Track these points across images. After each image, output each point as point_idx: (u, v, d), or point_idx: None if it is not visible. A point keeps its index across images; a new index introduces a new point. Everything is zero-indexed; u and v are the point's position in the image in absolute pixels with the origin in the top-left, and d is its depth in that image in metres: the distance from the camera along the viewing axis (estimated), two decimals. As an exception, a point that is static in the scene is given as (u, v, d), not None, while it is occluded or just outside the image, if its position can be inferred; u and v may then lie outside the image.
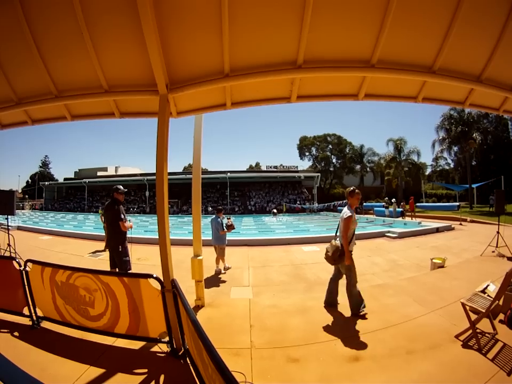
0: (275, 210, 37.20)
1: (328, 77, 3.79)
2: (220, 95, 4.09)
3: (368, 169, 52.92)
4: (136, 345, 3.87)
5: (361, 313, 4.60)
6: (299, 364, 3.48)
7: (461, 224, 17.83)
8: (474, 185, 32.99)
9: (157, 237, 3.64)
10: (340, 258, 4.68)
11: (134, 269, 5.32)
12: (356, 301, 4.69)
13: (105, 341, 3.93)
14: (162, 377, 3.24)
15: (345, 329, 4.29)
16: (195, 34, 3.27)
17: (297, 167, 52.86)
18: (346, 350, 3.75)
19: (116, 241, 5.12)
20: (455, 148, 37.43)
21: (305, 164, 58.04)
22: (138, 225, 22.50)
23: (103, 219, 9.61)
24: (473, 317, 3.88)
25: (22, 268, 4.31)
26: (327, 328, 4.33)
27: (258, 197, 46.80)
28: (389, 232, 13.77)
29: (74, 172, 62.21)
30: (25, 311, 4.39)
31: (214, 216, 8.03)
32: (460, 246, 10.76)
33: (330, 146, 53.35)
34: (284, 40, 3.31)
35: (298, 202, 43.59)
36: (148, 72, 3.47)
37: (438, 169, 45.21)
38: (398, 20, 3.10)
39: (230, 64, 3.48)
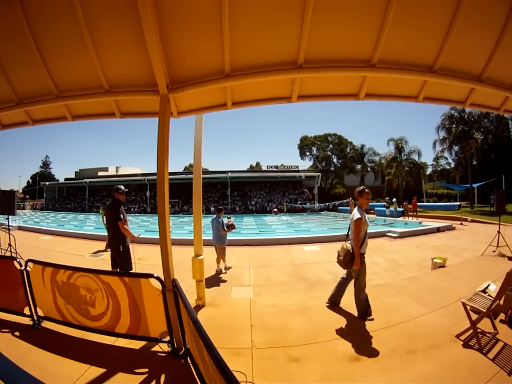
0: (276, 210, 37.29)
1: (328, 76, 3.79)
2: (221, 95, 4.09)
3: (369, 169, 53.03)
4: (137, 344, 3.88)
5: (368, 319, 4.57)
6: (300, 364, 3.48)
7: (461, 223, 17.82)
8: (475, 185, 32.98)
9: (158, 236, 3.64)
10: (352, 262, 4.53)
11: (134, 269, 5.33)
12: (363, 307, 4.63)
13: (106, 340, 3.94)
14: (163, 377, 3.25)
15: (346, 329, 4.29)
16: (195, 34, 3.27)
17: (298, 166, 52.98)
18: (347, 349, 3.75)
19: (117, 241, 5.13)
20: (456, 148, 37.40)
21: (306, 163, 58.17)
22: (139, 225, 22.48)
23: (105, 219, 9.63)
24: (474, 316, 3.89)
25: (22, 268, 4.31)
26: (327, 328, 4.33)
27: (259, 197, 46.82)
28: (389, 232, 13.77)
29: (75, 172, 62.36)
30: (26, 310, 4.40)
31: (214, 216, 8.03)
32: (461, 245, 10.75)
33: (331, 146, 53.39)
34: (285, 40, 3.30)
35: (299, 202, 43.60)
36: (148, 72, 3.47)
37: (438, 169, 45.10)
38: (398, 20, 3.10)
39: (230, 64, 3.48)
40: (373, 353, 3.66)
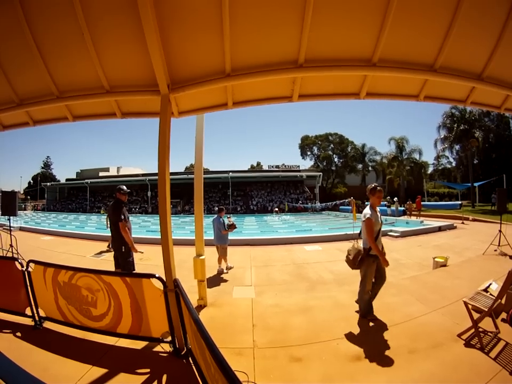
0: (277, 209, 37.31)
1: (329, 76, 3.78)
2: (221, 95, 4.08)
3: (370, 168, 52.98)
4: (139, 345, 3.88)
5: (369, 318, 4.55)
6: (302, 364, 3.48)
7: (463, 223, 17.79)
8: (476, 184, 32.88)
9: (159, 237, 3.64)
10: (361, 263, 4.45)
11: (136, 269, 5.33)
12: (365, 307, 4.61)
13: (107, 341, 3.94)
14: (164, 377, 3.25)
15: (347, 329, 4.28)
16: (196, 34, 3.27)
17: (299, 166, 52.96)
18: (349, 349, 3.75)
19: (119, 242, 5.11)
20: (457, 147, 37.27)
21: (307, 163, 58.13)
22: (140, 226, 22.49)
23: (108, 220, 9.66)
24: (476, 315, 3.88)
25: (24, 269, 4.32)
26: (329, 328, 4.33)
27: (260, 197, 46.82)
28: (391, 231, 13.74)
29: (76, 172, 62.35)
30: (28, 311, 4.40)
31: (215, 216, 8.04)
32: (462, 244, 10.72)
33: (332, 145, 53.40)
34: (285, 39, 3.30)
35: (300, 201, 43.57)
36: (149, 72, 3.46)
37: (440, 168, 44.95)
38: (398, 20, 3.10)
39: (231, 64, 3.48)
40: (375, 352, 3.65)
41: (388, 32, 3.17)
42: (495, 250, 8.97)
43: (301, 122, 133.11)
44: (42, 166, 77.22)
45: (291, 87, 3.92)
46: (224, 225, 7.82)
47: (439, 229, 14.91)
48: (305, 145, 55.28)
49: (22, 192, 64.88)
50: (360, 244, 4.61)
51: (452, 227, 15.61)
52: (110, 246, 10.08)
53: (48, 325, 4.37)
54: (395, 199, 26.14)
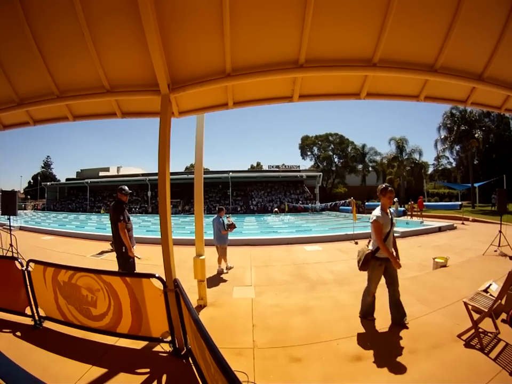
0: (276, 209, 37.33)
1: (330, 76, 3.78)
2: (222, 95, 4.08)
3: (370, 168, 53.00)
4: (139, 345, 3.88)
5: (369, 319, 4.55)
6: (301, 364, 3.48)
7: (463, 223, 17.77)
8: (476, 184, 32.88)
9: (159, 236, 3.64)
10: (365, 265, 4.37)
11: (136, 269, 5.33)
12: (367, 309, 4.58)
13: (107, 340, 3.94)
14: (164, 377, 3.25)
15: (347, 329, 4.27)
16: (196, 34, 3.27)
17: (299, 166, 52.91)
18: (349, 349, 3.75)
19: (120, 242, 5.11)
20: (457, 147, 37.24)
21: (307, 163, 58.23)
22: (140, 225, 22.49)
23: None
24: (476, 316, 3.88)
25: (24, 268, 4.32)
26: (329, 328, 4.32)
27: (260, 197, 46.83)
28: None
29: (76, 172, 62.32)
30: (28, 311, 4.40)
31: (215, 216, 8.04)
32: (462, 245, 10.72)
33: (332, 145, 53.52)
34: (285, 39, 3.30)
35: (300, 202, 43.56)
36: (149, 72, 3.46)
37: (440, 168, 44.95)
38: (398, 21, 3.10)
39: (231, 64, 3.48)
40: (375, 353, 3.65)
41: (388, 32, 3.17)
42: (495, 251, 8.96)
43: (301, 123, 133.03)
44: (43, 165, 77.23)
45: (291, 87, 3.92)
46: (223, 225, 7.82)
47: (439, 229, 14.91)
48: (306, 145, 55.34)
49: (22, 191, 64.90)
50: (371, 246, 4.47)
51: (452, 227, 15.61)
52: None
53: (48, 324, 4.37)
54: (395, 199, 26.13)
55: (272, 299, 5.63)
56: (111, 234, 5.37)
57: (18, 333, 4.17)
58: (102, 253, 10.28)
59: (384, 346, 3.79)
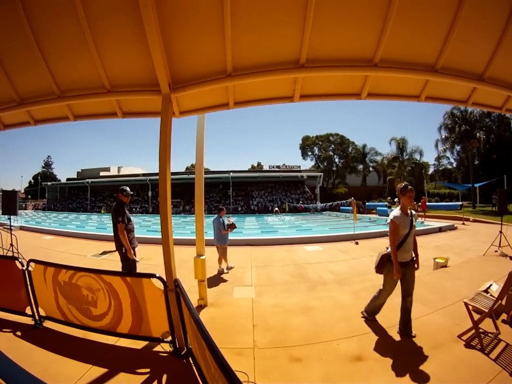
0: (277, 209, 37.33)
1: (330, 76, 3.78)
2: (223, 95, 4.08)
3: (370, 168, 53.02)
4: (139, 344, 3.88)
5: (369, 318, 4.54)
6: (302, 364, 3.48)
7: (463, 223, 17.77)
8: (477, 185, 32.81)
9: (160, 236, 3.64)
10: (380, 267, 4.25)
11: (137, 269, 5.33)
12: (371, 307, 4.53)
13: (107, 340, 3.94)
14: (164, 377, 3.25)
15: (348, 329, 4.27)
16: (197, 35, 3.27)
17: (299, 166, 52.89)
18: (349, 350, 3.75)
19: (120, 242, 5.11)
20: (458, 147, 37.21)
21: (308, 163, 58.18)
22: (141, 225, 22.49)
23: None
24: (476, 316, 3.88)
25: (24, 268, 4.32)
26: (329, 328, 4.32)
27: (261, 197, 46.78)
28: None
29: (77, 172, 62.39)
30: (28, 310, 4.40)
31: (215, 216, 8.04)
32: (463, 245, 10.72)
33: (332, 146, 53.46)
34: (286, 40, 3.30)
35: (301, 202, 43.53)
36: (150, 72, 3.46)
37: (440, 168, 45.03)
38: (399, 22, 3.10)
39: (232, 64, 3.48)
40: (375, 353, 3.65)
41: (389, 33, 3.17)
42: (496, 251, 8.96)
43: (301, 123, 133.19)
44: (43, 165, 77.23)
45: (292, 87, 3.92)
46: (224, 225, 7.82)
47: (440, 229, 14.91)
48: (306, 145, 55.31)
49: (22, 191, 64.95)
50: (389, 248, 4.16)
51: (452, 228, 15.60)
52: None
53: (48, 324, 4.37)
54: (396, 199, 26.11)
55: (272, 299, 5.63)
56: (111, 234, 5.36)
57: (18, 333, 4.17)
58: (105, 252, 10.26)
59: (384, 347, 3.78)
